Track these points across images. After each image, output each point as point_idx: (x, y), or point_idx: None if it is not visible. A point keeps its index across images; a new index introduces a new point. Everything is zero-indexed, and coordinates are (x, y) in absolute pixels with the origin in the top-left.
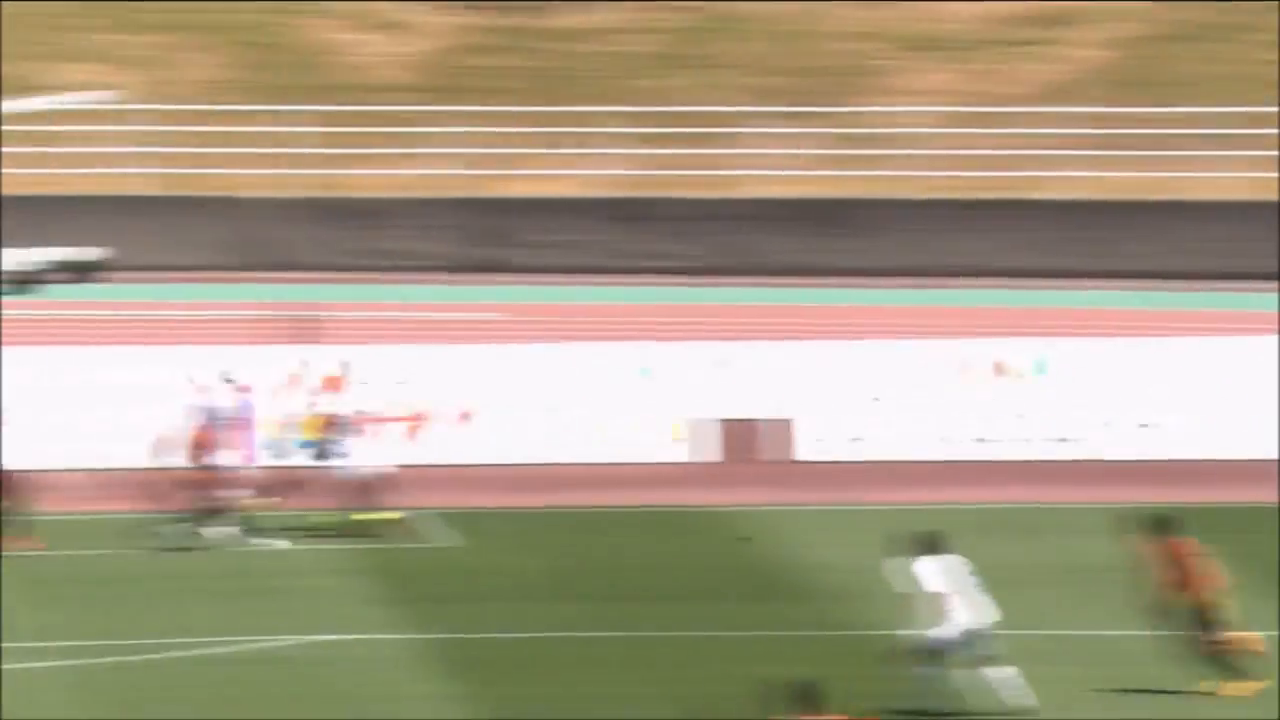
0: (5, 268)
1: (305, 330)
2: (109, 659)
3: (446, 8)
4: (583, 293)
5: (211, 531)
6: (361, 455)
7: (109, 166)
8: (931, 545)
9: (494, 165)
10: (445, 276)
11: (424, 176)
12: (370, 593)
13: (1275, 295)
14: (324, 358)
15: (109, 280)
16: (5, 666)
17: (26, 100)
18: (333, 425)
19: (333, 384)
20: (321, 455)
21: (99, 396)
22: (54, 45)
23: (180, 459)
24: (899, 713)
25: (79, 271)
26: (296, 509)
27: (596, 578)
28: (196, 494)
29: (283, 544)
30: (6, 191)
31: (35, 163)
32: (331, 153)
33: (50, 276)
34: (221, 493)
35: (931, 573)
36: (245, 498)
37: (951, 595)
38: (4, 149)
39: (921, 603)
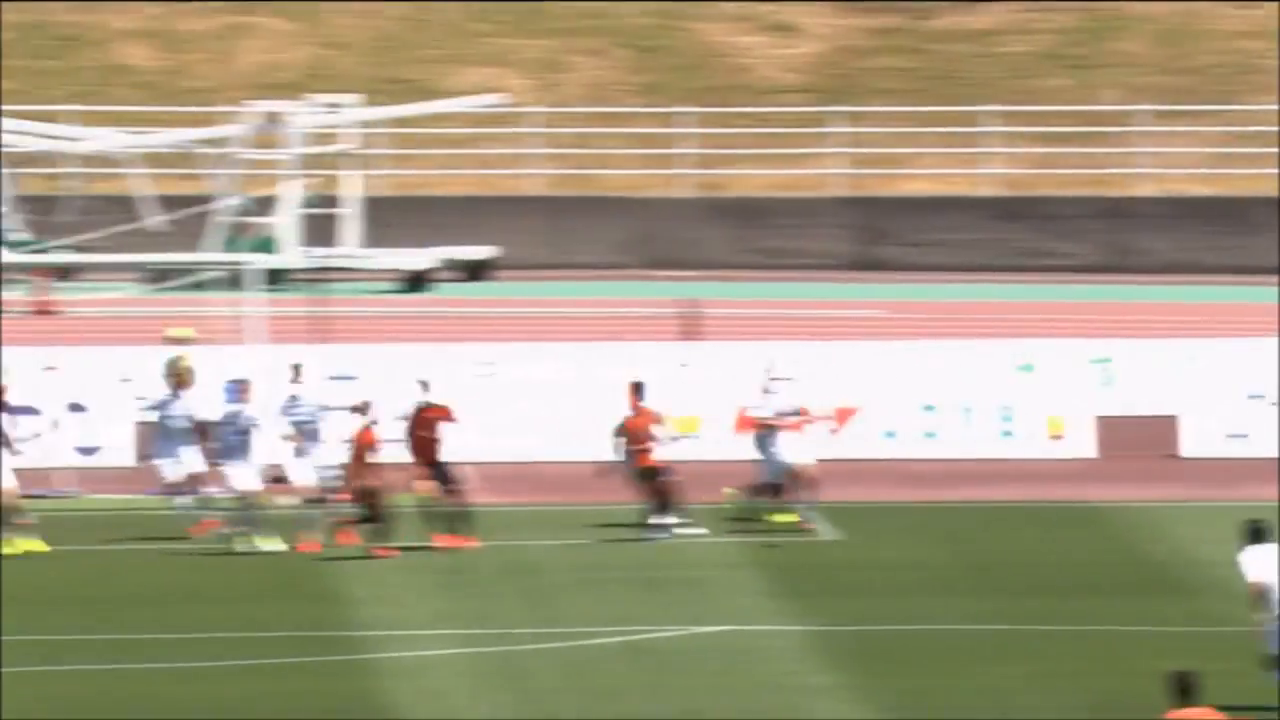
0: (401, 266)
1: (692, 326)
2: (510, 647)
3: (834, 9)
4: (964, 290)
5: (659, 522)
6: (779, 452)
7: (502, 168)
8: (1257, 535)
9: (879, 165)
10: (829, 274)
11: (810, 176)
12: (762, 585)
13: None
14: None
15: (499, 278)
16: (408, 653)
17: (427, 104)
18: (759, 423)
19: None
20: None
21: (499, 391)
22: (454, 49)
23: (611, 453)
24: (1265, 709)
25: (471, 270)
26: (702, 502)
27: (980, 571)
28: (639, 485)
29: (684, 532)
30: (403, 192)
31: (431, 164)
32: (719, 153)
33: (443, 275)
34: (649, 484)
35: (1255, 562)
36: (661, 489)
37: (1274, 585)
38: (405, 150)
39: (1249, 592)
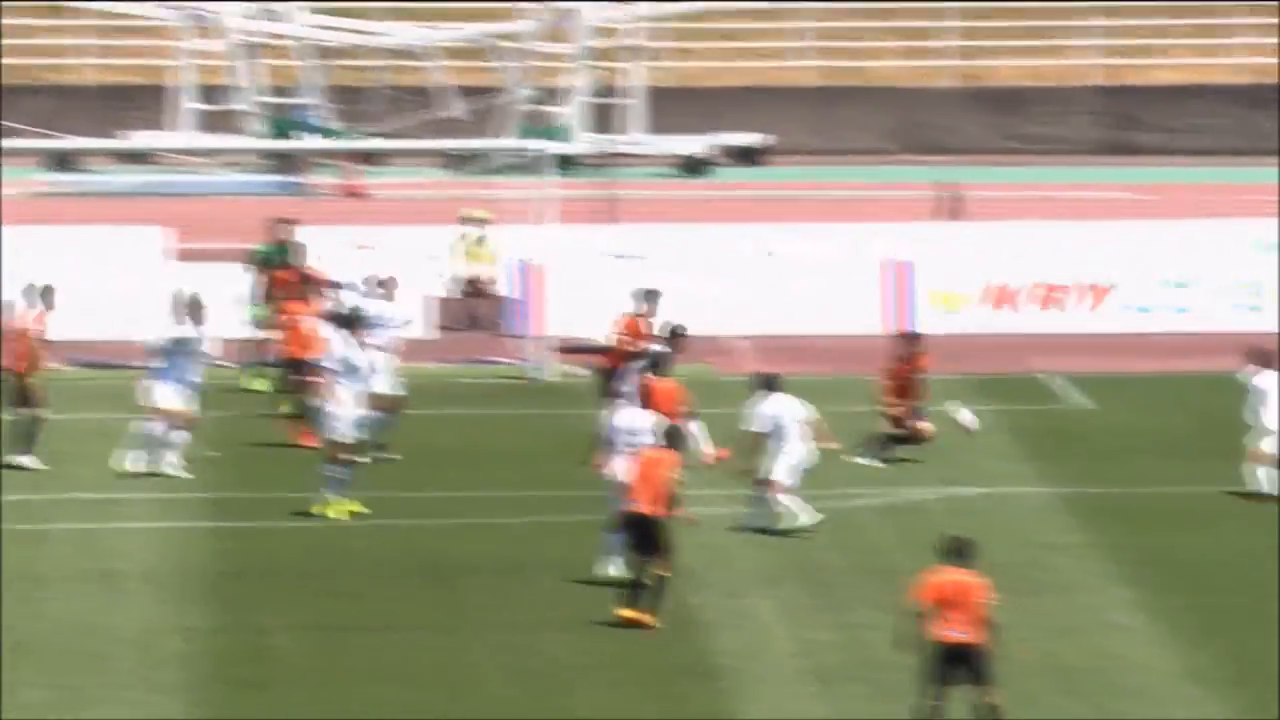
0: (680, 152)
1: (952, 208)
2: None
3: None
4: (1210, 174)
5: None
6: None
7: (774, 60)
8: None
9: (1131, 55)
10: (1080, 159)
11: (1063, 65)
12: (1010, 450)
13: None
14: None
15: (771, 164)
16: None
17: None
18: None
19: None
20: None
21: (770, 268)
22: None
23: None
24: None
25: (745, 156)
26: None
27: (1214, 435)
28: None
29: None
30: (684, 83)
31: (708, 56)
32: (975, 44)
33: (719, 160)
34: None
35: None
36: None
37: None
38: (685, 44)
39: None
